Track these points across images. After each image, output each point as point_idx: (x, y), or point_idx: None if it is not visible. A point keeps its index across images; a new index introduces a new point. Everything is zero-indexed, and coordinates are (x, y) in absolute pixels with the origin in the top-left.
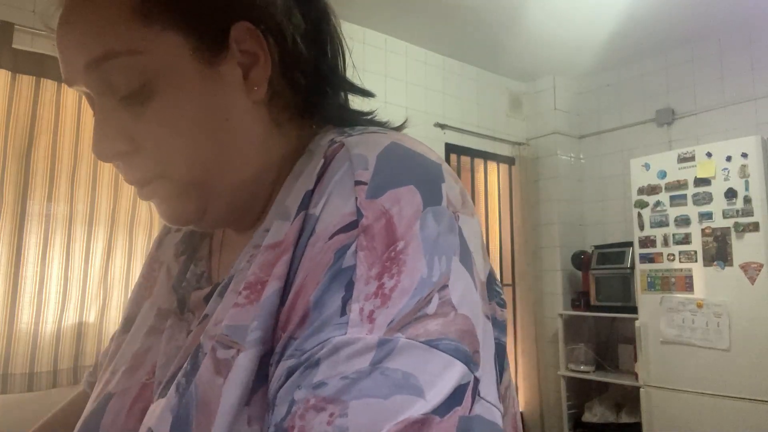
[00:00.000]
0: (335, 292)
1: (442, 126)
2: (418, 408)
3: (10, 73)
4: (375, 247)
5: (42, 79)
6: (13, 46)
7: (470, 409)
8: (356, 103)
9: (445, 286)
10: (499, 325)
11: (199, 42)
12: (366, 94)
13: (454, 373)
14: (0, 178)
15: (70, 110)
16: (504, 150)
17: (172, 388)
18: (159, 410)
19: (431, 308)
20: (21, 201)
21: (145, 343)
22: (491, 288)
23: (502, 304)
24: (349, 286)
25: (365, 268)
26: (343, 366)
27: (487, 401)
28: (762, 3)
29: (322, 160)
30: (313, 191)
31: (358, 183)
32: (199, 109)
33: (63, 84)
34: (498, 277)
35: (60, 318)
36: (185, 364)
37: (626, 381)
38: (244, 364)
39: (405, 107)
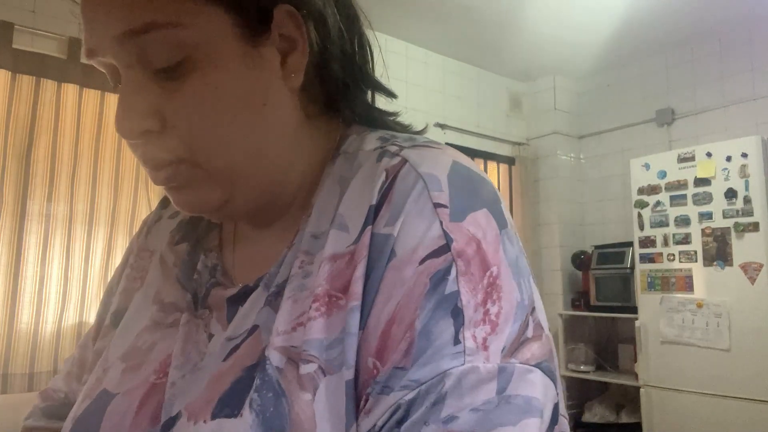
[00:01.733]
0: (442, 319)
1: (442, 126)
2: (539, 429)
3: (10, 73)
4: (473, 273)
5: (42, 79)
6: (13, 46)
7: (559, 425)
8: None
9: (534, 309)
10: None
11: (243, 20)
12: (391, 95)
13: (551, 393)
14: (0, 178)
15: (70, 110)
16: (504, 150)
17: (246, 407)
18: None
19: (530, 332)
20: (21, 201)
21: (147, 339)
22: None
23: None
24: (457, 313)
25: (469, 294)
26: (469, 397)
27: (562, 414)
28: (762, 3)
29: (384, 174)
30: (378, 207)
31: (438, 205)
32: (238, 90)
33: (63, 84)
34: None
35: (60, 318)
36: (255, 380)
37: (626, 381)
38: (336, 386)
39: (405, 107)
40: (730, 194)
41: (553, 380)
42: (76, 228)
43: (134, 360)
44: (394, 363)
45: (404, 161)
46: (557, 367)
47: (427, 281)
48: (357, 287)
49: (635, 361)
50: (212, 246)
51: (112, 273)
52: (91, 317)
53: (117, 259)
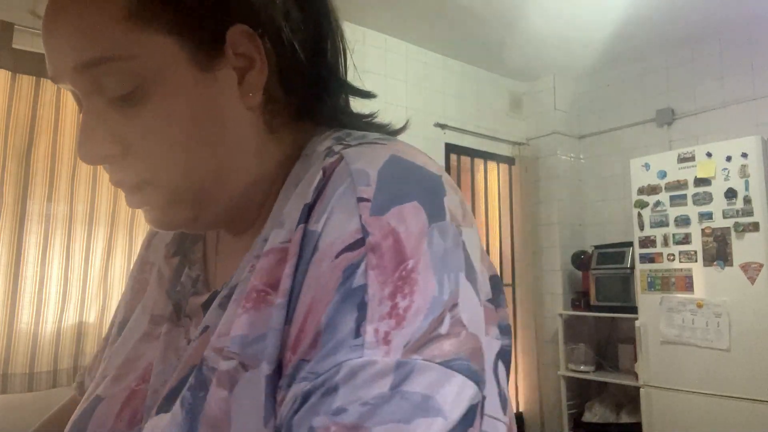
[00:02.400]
0: (347, 312)
1: (442, 126)
2: (438, 430)
3: (10, 73)
4: (385, 265)
5: (42, 79)
6: (13, 46)
7: (479, 428)
8: (357, 103)
9: (455, 305)
10: (506, 330)
11: (194, 46)
12: (367, 95)
13: (468, 393)
14: (0, 178)
15: (70, 110)
16: (504, 150)
17: (177, 403)
18: (164, 426)
19: (444, 328)
20: (21, 201)
21: (138, 350)
22: (499, 293)
23: (505, 306)
24: (362, 307)
25: (377, 287)
26: (362, 391)
27: (491, 416)
28: (762, 3)
29: (321, 173)
30: (312, 205)
31: (361, 200)
32: (192, 114)
33: None
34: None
35: (60, 318)
36: (190, 378)
37: (626, 381)
38: (254, 380)
39: (405, 107)
40: (730, 194)
41: (476, 379)
42: (76, 228)
43: (124, 368)
44: (300, 356)
45: (341, 158)
46: (486, 366)
47: (339, 275)
48: (286, 284)
49: (635, 361)
50: (196, 258)
51: (112, 273)
52: (91, 317)
53: (117, 259)
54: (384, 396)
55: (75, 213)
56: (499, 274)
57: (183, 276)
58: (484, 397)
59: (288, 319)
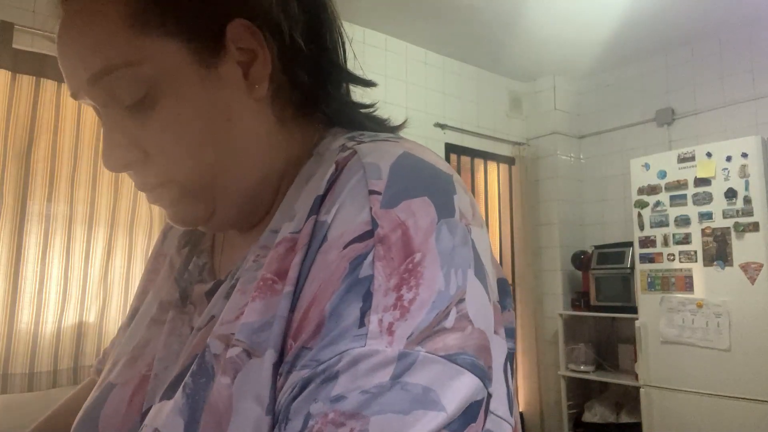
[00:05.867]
0: (352, 302)
1: (442, 126)
2: (438, 424)
3: (10, 73)
4: (392, 257)
5: (42, 79)
6: (13, 46)
7: (483, 426)
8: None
9: (462, 300)
10: (510, 333)
11: (196, 45)
12: (367, 84)
13: (471, 388)
14: (0, 178)
15: (70, 110)
16: (504, 150)
17: (180, 390)
18: (167, 413)
19: (449, 322)
20: (21, 201)
21: (146, 335)
22: (505, 296)
23: (511, 309)
24: (367, 297)
25: (383, 278)
26: (363, 380)
27: (497, 415)
28: (762, 3)
29: (334, 166)
30: (323, 197)
31: (372, 192)
32: (200, 111)
33: (63, 84)
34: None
35: (60, 318)
36: (192, 365)
37: (626, 381)
38: (258, 368)
39: (405, 107)
40: (730, 194)
41: (481, 375)
42: (76, 228)
43: (134, 354)
44: (302, 343)
45: (354, 153)
46: (496, 365)
47: (346, 265)
48: (294, 273)
49: (635, 361)
50: (205, 247)
51: (112, 273)
52: (91, 317)
53: (117, 260)
54: (384, 386)
55: (75, 213)
56: (506, 278)
57: (191, 264)
58: (489, 395)
59: (292, 307)
